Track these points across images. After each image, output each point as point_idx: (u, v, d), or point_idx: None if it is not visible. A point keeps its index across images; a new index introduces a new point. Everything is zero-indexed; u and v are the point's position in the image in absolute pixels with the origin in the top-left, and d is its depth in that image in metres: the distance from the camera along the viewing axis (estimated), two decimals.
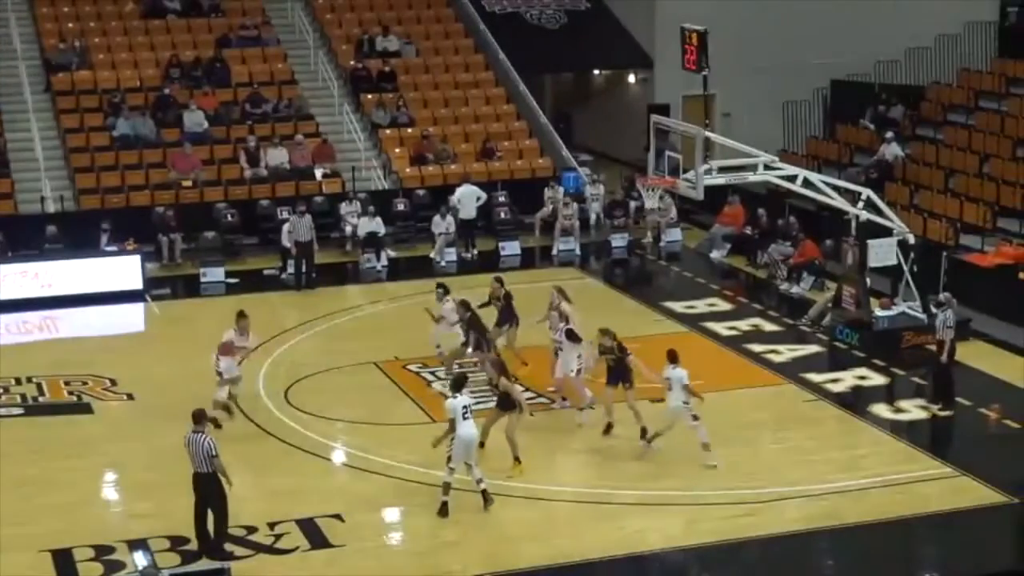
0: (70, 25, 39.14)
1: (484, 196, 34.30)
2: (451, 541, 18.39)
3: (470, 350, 24.01)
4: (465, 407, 19.23)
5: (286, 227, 31.58)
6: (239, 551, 18.00)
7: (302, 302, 29.50)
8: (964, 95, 37.21)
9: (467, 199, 33.90)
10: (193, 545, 18.00)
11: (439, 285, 25.31)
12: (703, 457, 20.54)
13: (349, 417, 22.85)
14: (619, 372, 21.69)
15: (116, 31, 39.53)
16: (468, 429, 19.13)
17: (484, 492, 19.22)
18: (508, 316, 24.84)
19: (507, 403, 20.52)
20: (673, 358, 20.87)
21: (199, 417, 18.18)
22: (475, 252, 33.65)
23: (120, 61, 38.40)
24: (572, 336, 22.63)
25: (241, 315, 22.93)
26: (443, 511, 18.99)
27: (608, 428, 21.95)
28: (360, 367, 25.34)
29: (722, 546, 18.30)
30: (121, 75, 37.75)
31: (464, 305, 24.23)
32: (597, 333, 21.99)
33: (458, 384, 19.57)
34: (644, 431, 21.27)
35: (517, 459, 20.47)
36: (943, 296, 23.70)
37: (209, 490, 17.80)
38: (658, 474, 20.53)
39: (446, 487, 19.02)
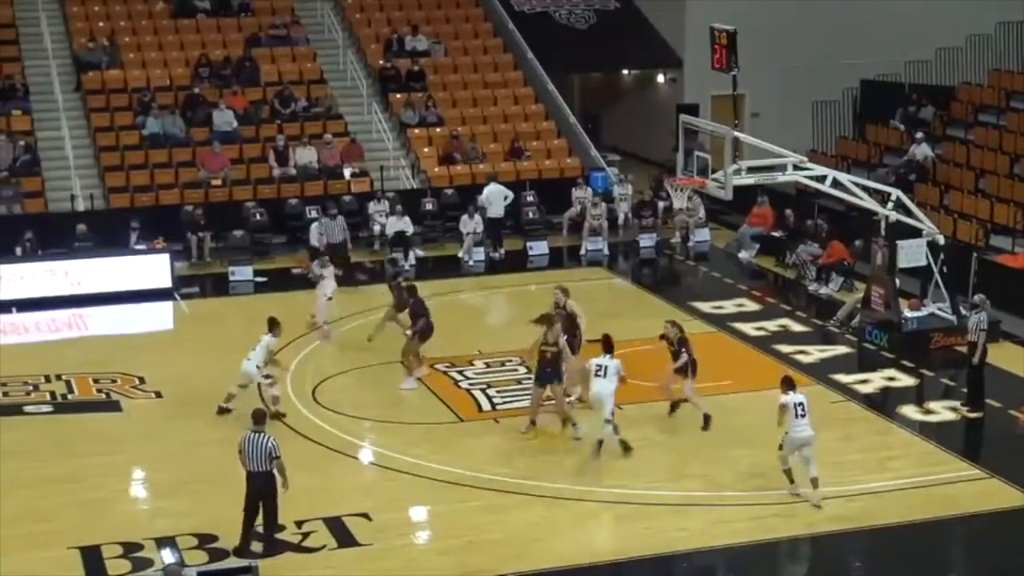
0: (100, 24, 39.28)
1: (511, 195, 34.29)
2: (479, 540, 18.38)
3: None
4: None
5: (315, 227, 31.68)
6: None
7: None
8: (995, 95, 37.02)
9: (495, 198, 33.90)
10: (222, 543, 18.03)
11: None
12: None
13: (377, 416, 22.87)
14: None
15: (146, 30, 39.66)
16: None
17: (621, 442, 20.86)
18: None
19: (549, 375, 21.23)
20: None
21: (260, 417, 18.17)
22: (503, 252, 33.61)
23: (150, 60, 38.53)
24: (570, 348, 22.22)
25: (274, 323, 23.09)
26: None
27: (706, 420, 22.10)
28: (387, 366, 25.34)
29: (749, 547, 18.25)
30: (151, 74, 37.88)
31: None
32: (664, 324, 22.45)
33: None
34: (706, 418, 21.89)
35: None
36: (977, 298, 23.57)
37: (265, 490, 17.77)
38: (687, 474, 20.50)
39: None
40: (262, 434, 17.86)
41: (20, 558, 17.79)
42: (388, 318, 26.00)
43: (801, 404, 19.20)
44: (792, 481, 19.40)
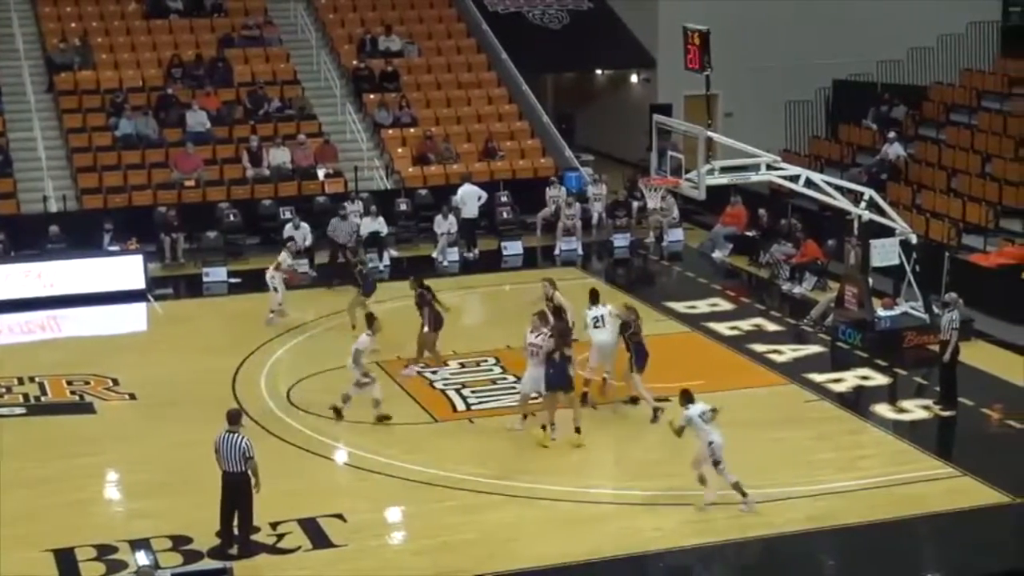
0: (73, 25, 39.15)
1: (485, 196, 34.33)
2: (453, 541, 18.38)
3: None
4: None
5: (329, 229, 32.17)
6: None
7: (304, 302, 29.46)
8: (966, 95, 37.19)
9: (469, 199, 33.92)
10: (196, 545, 18.01)
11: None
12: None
13: (351, 417, 22.84)
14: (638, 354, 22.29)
15: (119, 31, 39.55)
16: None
17: None
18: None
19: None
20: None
21: (235, 417, 18.11)
22: (476, 252, 33.63)
23: (123, 61, 38.42)
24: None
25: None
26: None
27: (655, 413, 22.32)
28: None
29: (723, 546, 18.30)
30: (124, 75, 37.78)
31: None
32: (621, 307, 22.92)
33: None
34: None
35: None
36: (949, 296, 23.67)
37: (239, 491, 17.75)
38: (658, 474, 20.52)
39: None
40: (236, 434, 17.84)
41: None
42: (355, 304, 26.74)
43: (704, 413, 19.09)
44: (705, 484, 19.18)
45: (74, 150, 35.55)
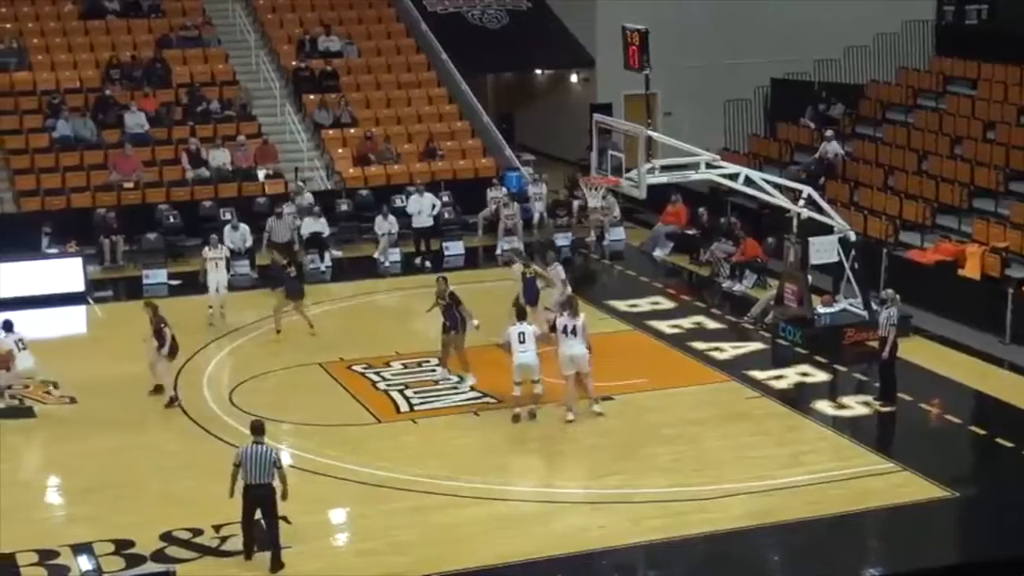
0: (8, 25, 38.79)
1: (439, 204, 34.15)
2: (400, 541, 18.37)
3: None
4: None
5: (265, 230, 31.99)
6: (184, 554, 17.92)
7: (245, 304, 29.33)
8: (902, 93, 37.52)
9: (423, 207, 33.61)
10: (138, 548, 17.92)
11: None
12: None
13: (294, 418, 22.78)
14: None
15: (55, 32, 39.24)
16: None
17: None
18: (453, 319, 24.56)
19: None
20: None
21: (259, 429, 17.80)
22: (429, 264, 32.92)
23: (59, 62, 38.12)
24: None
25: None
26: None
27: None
28: (305, 368, 25.30)
29: (668, 543, 18.37)
30: (60, 76, 37.50)
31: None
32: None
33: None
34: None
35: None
36: (886, 293, 23.86)
37: (266, 502, 17.58)
38: (602, 472, 20.62)
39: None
40: (262, 445, 17.63)
41: None
42: (281, 308, 26.98)
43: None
44: None
45: (10, 152, 35.24)
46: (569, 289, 26.02)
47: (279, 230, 31.80)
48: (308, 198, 33.84)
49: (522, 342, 22.22)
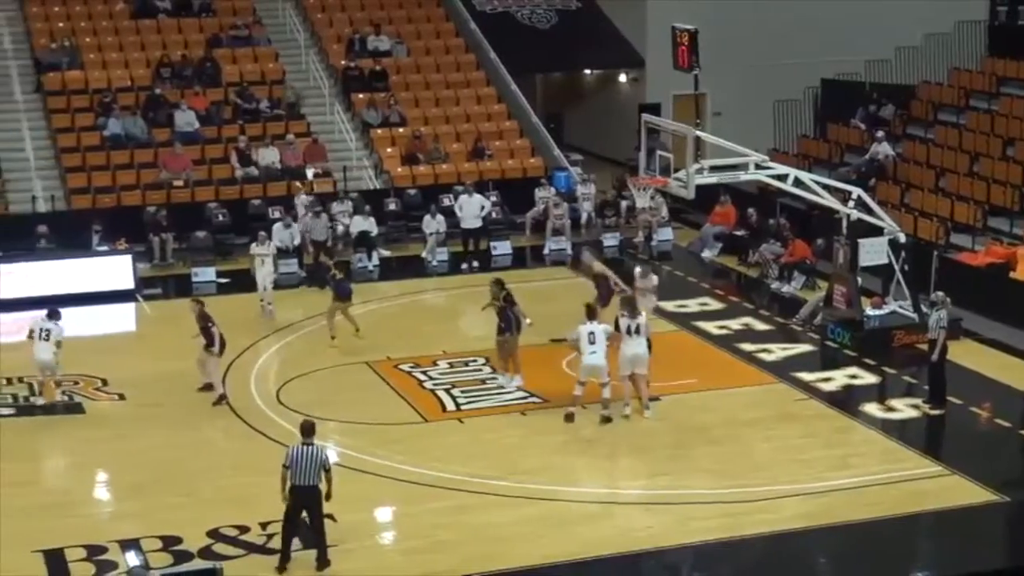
0: (60, 25, 39.08)
1: (488, 205, 34.05)
2: (444, 540, 18.37)
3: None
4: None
5: (299, 226, 31.96)
6: (231, 551, 17.98)
7: (293, 302, 29.45)
8: (954, 94, 37.24)
9: (473, 208, 33.52)
10: (186, 545, 17.99)
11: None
12: None
13: (341, 417, 22.82)
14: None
15: (107, 31, 39.48)
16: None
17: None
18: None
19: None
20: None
21: (309, 430, 17.74)
22: (476, 263, 32.77)
23: (111, 61, 38.37)
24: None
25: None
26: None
27: None
28: (351, 366, 25.34)
29: (717, 544, 18.30)
30: (112, 75, 37.73)
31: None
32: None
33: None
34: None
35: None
36: (937, 295, 23.68)
37: (313, 503, 17.56)
38: (651, 472, 20.56)
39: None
40: (312, 446, 17.61)
41: None
42: (333, 312, 26.57)
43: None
44: None
45: (62, 150, 35.49)
46: (631, 289, 26.00)
47: (317, 229, 31.87)
48: (307, 198, 33.81)
49: (592, 343, 22.12)
